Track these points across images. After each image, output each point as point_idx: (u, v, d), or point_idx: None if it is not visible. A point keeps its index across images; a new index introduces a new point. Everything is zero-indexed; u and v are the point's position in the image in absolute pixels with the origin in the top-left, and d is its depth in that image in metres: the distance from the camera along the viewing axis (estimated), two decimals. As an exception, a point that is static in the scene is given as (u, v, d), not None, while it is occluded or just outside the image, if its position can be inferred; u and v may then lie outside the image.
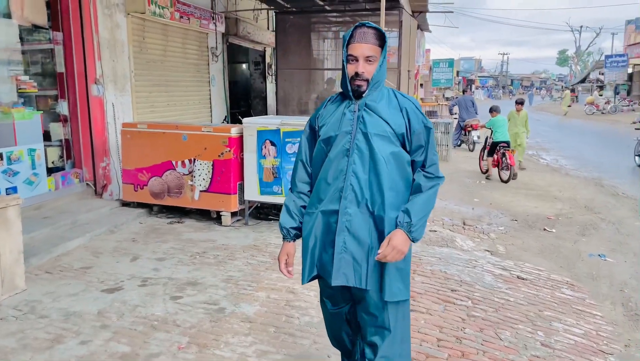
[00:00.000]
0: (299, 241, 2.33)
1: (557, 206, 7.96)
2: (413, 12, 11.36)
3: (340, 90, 2.27)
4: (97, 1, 6.52)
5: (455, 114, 15.20)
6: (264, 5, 10.83)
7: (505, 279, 4.72)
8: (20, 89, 6.09)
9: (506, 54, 79.51)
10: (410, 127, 2.16)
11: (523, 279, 4.76)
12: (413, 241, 2.14)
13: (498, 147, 9.82)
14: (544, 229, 6.62)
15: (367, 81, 2.13)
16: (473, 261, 5.14)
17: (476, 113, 14.31)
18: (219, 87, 10.44)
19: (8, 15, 5.84)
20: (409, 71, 10.55)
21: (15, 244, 3.99)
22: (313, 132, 2.33)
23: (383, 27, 6.40)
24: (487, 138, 10.58)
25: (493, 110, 10.40)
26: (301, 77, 10.59)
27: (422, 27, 14.17)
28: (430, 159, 2.21)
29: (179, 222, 6.15)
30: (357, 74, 2.12)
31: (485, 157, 10.39)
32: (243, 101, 13.29)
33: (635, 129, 14.12)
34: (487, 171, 10.24)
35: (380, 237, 2.13)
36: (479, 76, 72.93)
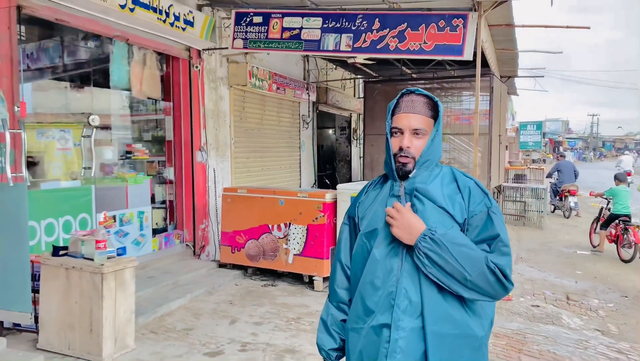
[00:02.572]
0: None
1: (674, 282, 7.25)
2: (501, 77, 11.30)
3: (384, 172, 1.90)
4: (204, 76, 7.08)
5: (553, 178, 14.56)
6: (354, 75, 11.23)
7: (624, 364, 4.30)
8: (133, 155, 6.64)
9: (596, 115, 75.89)
10: (469, 209, 1.73)
11: (646, 365, 4.32)
12: (417, 245, 1.65)
13: (618, 221, 8.75)
14: (662, 308, 6.03)
15: (413, 158, 1.75)
16: (584, 342, 4.75)
17: (576, 178, 13.74)
18: (308, 152, 10.78)
19: (128, 89, 6.48)
20: (500, 135, 10.37)
21: (129, 305, 4.22)
22: (354, 224, 1.92)
23: (478, 95, 6.41)
24: (602, 208, 9.73)
25: (617, 179, 9.42)
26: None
27: (510, 91, 13.99)
28: (498, 247, 1.68)
29: (272, 285, 6.24)
30: (401, 148, 1.75)
31: (597, 229, 9.39)
32: (329, 164, 13.61)
33: None
34: (598, 245, 9.27)
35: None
36: (567, 138, 70.10)
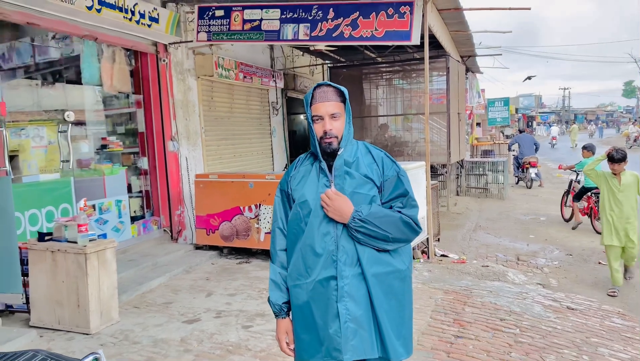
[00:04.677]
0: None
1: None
2: (462, 57, 11.82)
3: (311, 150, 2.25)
4: (172, 69, 7.45)
5: (514, 151, 15.33)
6: (319, 61, 11.65)
7: (554, 309, 4.90)
8: (108, 148, 7.02)
9: (567, 89, 77.34)
10: (384, 174, 2.17)
11: (573, 309, 4.92)
12: (346, 224, 2.08)
13: (590, 194, 8.55)
14: (599, 263, 6.67)
15: (336, 137, 2.12)
16: (524, 294, 5.34)
17: (536, 151, 14.40)
18: (279, 137, 11.21)
19: (99, 85, 6.82)
20: (459, 113, 10.92)
21: (112, 281, 4.66)
22: (286, 196, 2.28)
23: (427, 72, 6.94)
24: (571, 181, 9.75)
25: (586, 149, 8.86)
26: (355, 124, 11.05)
27: (473, 69, 14.54)
28: (408, 202, 2.18)
29: (246, 262, 6.72)
30: (325, 132, 2.12)
31: (568, 202, 9.23)
32: (302, 148, 14.06)
33: None
34: (571, 217, 9.10)
35: (369, 296, 2.11)
36: (539, 112, 71.43)
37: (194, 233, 7.39)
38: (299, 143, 13.86)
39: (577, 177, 9.59)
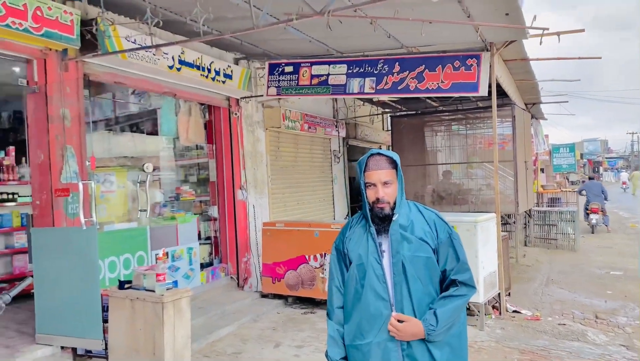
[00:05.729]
0: None
1: None
2: (526, 104, 11.65)
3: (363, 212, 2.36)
4: (242, 121, 7.77)
5: (584, 196, 15.30)
6: (380, 110, 11.81)
7: (644, 376, 4.56)
8: (181, 197, 7.32)
9: (635, 133, 74.00)
10: (438, 238, 2.26)
11: (665, 376, 4.56)
12: (426, 340, 2.18)
13: None
14: (690, 324, 6.18)
15: (388, 203, 2.23)
16: (607, 356, 5.02)
17: (606, 199, 14.35)
18: (340, 185, 11.32)
19: (176, 137, 7.21)
20: (525, 161, 10.67)
21: (186, 331, 4.76)
22: (342, 255, 2.38)
23: (495, 122, 6.88)
24: None
25: None
26: (417, 172, 11.16)
27: (537, 116, 14.26)
28: (462, 267, 2.27)
29: (311, 312, 6.70)
30: (377, 199, 2.23)
31: None
32: (360, 195, 14.10)
33: None
34: None
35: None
36: (607, 157, 68.60)
37: (260, 280, 7.48)
38: (358, 189, 13.93)
39: None
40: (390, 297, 2.21)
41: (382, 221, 2.25)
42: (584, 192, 15.36)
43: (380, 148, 13.80)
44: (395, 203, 2.25)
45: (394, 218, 2.24)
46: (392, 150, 11.45)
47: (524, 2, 6.30)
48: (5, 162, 6.65)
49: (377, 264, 2.23)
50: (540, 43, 5.09)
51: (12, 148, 6.86)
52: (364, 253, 2.26)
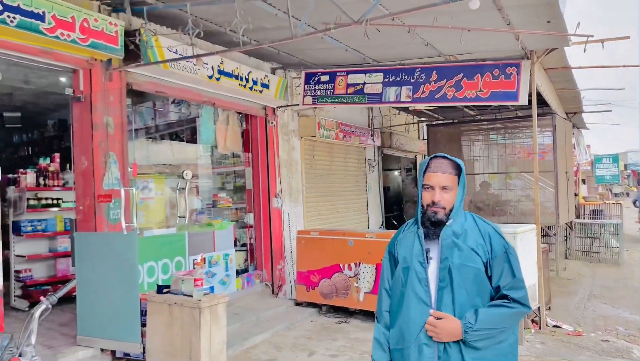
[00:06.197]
0: None
1: None
2: (567, 113, 11.36)
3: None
4: (278, 130, 7.84)
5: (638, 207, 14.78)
6: (416, 119, 11.72)
7: (696, 397, 4.34)
8: (219, 204, 7.43)
9: (683, 143, 70.97)
10: (492, 252, 2.16)
11: None
12: (463, 342, 2.10)
13: None
14: None
15: (443, 208, 2.17)
16: (655, 376, 4.81)
17: None
18: (375, 194, 11.26)
19: (214, 145, 7.33)
20: (566, 172, 10.39)
21: (221, 336, 4.81)
22: (393, 258, 2.36)
23: (535, 131, 6.72)
24: None
25: None
26: (454, 182, 11.00)
27: (579, 125, 13.87)
28: (517, 284, 2.15)
29: (345, 322, 6.67)
30: (433, 202, 2.17)
31: None
32: (396, 205, 13.99)
33: None
34: None
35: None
36: (652, 168, 66.03)
37: (294, 288, 7.50)
38: (393, 199, 13.82)
39: None
40: (432, 302, 2.16)
41: (433, 226, 2.19)
42: (637, 203, 14.86)
43: (416, 158, 13.85)
44: (451, 210, 2.19)
45: (447, 223, 2.19)
46: (428, 159, 11.36)
47: (565, 5, 6.16)
48: (50, 169, 6.90)
49: (420, 268, 2.18)
50: (584, 51, 4.97)
51: (57, 155, 7.12)
52: (409, 256, 2.23)
